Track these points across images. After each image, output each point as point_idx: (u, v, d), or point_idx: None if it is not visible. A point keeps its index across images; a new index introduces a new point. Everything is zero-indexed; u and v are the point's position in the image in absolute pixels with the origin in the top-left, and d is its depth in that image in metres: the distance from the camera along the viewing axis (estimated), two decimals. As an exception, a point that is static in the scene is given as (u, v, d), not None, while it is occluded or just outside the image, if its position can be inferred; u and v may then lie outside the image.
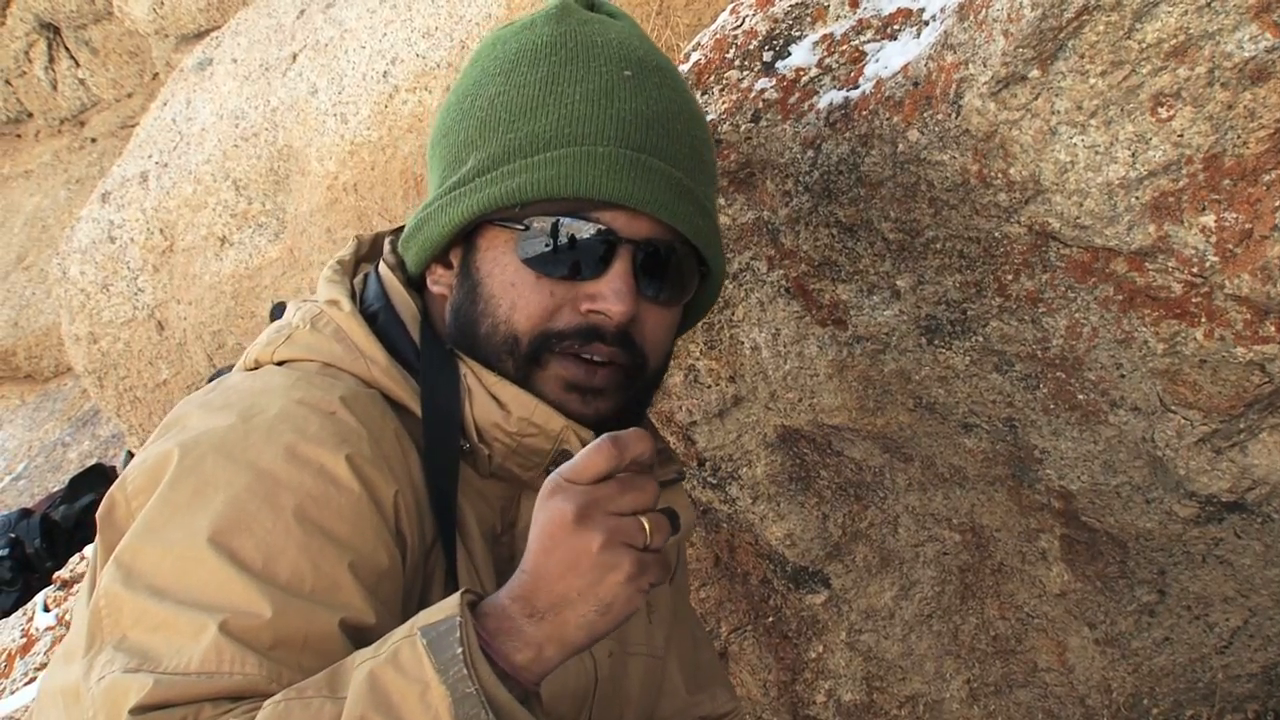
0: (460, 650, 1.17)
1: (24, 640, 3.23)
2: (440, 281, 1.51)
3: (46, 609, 3.31)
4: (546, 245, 1.42)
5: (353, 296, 1.53)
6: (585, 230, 1.42)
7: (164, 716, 1.20)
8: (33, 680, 3.04)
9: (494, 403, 1.46)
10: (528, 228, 1.42)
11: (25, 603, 3.62)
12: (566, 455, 1.46)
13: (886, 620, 2.29)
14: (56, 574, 3.47)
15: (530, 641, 1.22)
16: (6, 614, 3.97)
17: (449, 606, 1.20)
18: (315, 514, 1.31)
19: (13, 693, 3.03)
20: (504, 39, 1.53)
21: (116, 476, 5.98)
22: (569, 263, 1.43)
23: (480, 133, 1.45)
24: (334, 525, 1.32)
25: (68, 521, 5.45)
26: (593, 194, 1.41)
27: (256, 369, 1.50)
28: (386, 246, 1.60)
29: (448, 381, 1.46)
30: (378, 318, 1.50)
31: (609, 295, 1.42)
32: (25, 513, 5.75)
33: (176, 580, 1.26)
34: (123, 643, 1.25)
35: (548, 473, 1.47)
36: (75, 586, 3.32)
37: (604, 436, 1.23)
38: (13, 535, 5.41)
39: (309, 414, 1.36)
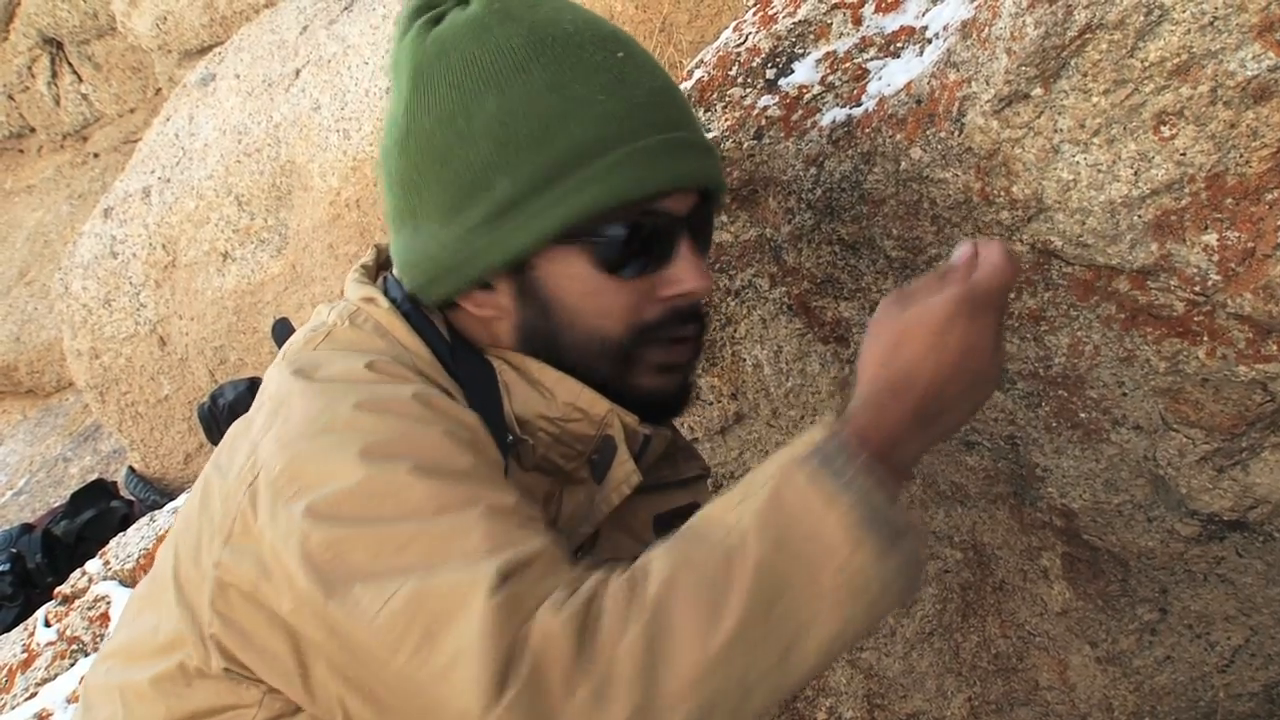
0: (851, 473, 1.18)
1: (25, 655, 3.22)
2: (485, 305, 1.48)
3: (47, 624, 3.30)
4: (623, 250, 1.43)
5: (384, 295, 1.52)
6: (655, 224, 1.44)
7: (525, 578, 1.16)
8: (34, 695, 3.03)
9: (535, 392, 1.47)
10: (600, 237, 1.42)
11: (26, 618, 3.61)
12: (609, 443, 1.49)
13: (888, 638, 2.29)
14: (57, 589, 3.45)
15: (918, 448, 1.26)
16: (7, 629, 3.96)
17: (822, 429, 1.22)
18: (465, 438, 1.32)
19: (14, 708, 3.02)
20: (448, 47, 1.43)
21: (118, 492, 5.93)
22: (644, 259, 1.44)
23: (501, 154, 1.39)
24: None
25: (69, 537, 5.44)
26: (659, 189, 1.42)
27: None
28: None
29: (486, 377, 1.47)
30: (409, 317, 1.49)
31: (688, 277, 1.46)
32: (27, 528, 5.74)
33: (414, 504, 1.22)
34: (388, 567, 1.18)
35: (590, 462, 1.50)
36: (76, 602, 3.31)
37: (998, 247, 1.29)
38: (14, 550, 5.39)
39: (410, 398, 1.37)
